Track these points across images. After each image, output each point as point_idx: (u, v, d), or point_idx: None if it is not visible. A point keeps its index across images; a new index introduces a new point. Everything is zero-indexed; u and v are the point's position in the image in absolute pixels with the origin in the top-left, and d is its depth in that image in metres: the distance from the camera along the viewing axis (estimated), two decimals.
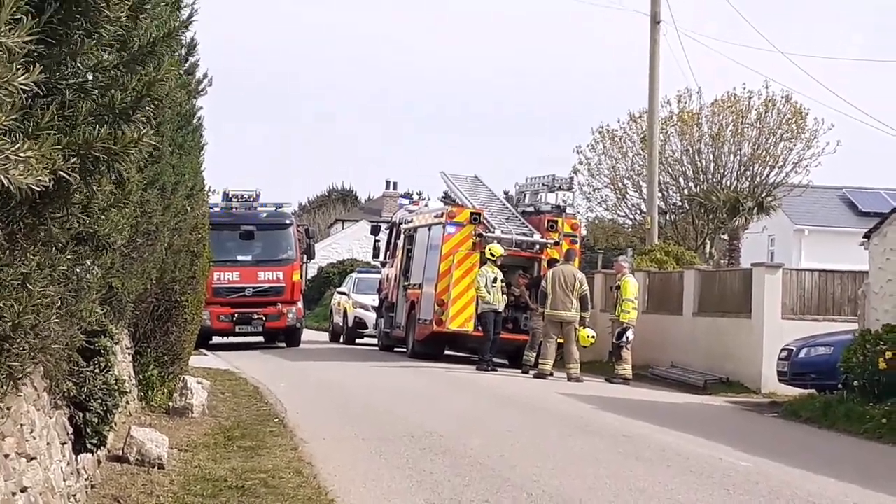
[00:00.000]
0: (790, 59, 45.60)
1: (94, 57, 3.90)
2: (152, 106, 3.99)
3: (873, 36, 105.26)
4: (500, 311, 25.06)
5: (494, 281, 24.81)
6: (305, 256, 32.67)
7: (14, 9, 3.13)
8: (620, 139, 40.50)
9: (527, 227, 27.65)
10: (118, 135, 3.67)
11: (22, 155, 3.12)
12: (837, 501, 10.38)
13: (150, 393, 14.48)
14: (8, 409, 5.59)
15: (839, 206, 52.10)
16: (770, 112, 37.77)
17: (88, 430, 8.25)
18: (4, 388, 4.61)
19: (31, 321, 4.31)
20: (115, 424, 9.58)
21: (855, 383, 17.41)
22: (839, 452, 14.74)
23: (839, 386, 18.42)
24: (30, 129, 3.36)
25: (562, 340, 23.82)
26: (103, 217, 4.71)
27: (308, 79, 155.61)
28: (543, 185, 28.97)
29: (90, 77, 3.91)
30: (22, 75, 3.07)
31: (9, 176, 3.05)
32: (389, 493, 10.18)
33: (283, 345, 31.89)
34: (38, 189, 3.21)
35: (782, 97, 37.83)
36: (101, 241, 4.89)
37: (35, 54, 3.40)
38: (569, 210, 29.32)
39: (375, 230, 37.79)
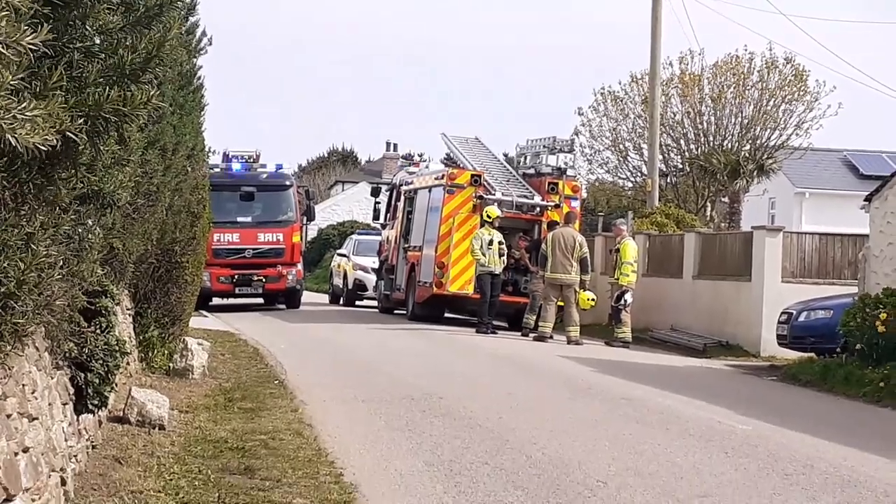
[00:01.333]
0: (791, 21, 45.56)
1: (101, 19, 3.88)
2: (160, 67, 3.97)
3: None
4: (498, 273, 25.02)
5: (490, 243, 24.76)
6: (305, 218, 32.63)
7: None
8: (622, 100, 40.37)
9: (527, 189, 27.61)
10: (128, 96, 3.65)
11: (28, 114, 3.11)
12: (835, 464, 10.40)
13: (150, 354, 14.49)
14: (10, 368, 5.59)
15: (840, 169, 52.04)
16: (771, 74, 37.64)
17: (89, 390, 8.26)
18: (9, 346, 4.61)
19: (35, 279, 4.31)
20: (116, 385, 9.59)
21: (856, 347, 17.44)
22: (838, 416, 14.79)
23: (838, 350, 18.46)
24: (37, 90, 3.34)
25: (562, 303, 23.83)
26: (107, 175, 4.70)
27: (308, 40, 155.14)
28: (544, 146, 28.91)
29: (97, 40, 3.89)
30: (29, 35, 3.05)
31: (15, 135, 3.04)
32: (389, 455, 10.21)
33: (283, 306, 31.91)
34: (45, 149, 3.20)
35: (784, 59, 37.71)
36: (106, 199, 4.88)
37: (41, 15, 3.38)
38: (570, 172, 29.27)
39: (376, 192, 37.75)
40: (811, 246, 24.02)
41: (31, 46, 3.08)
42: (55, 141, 3.27)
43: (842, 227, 27.81)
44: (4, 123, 3.05)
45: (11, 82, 3.10)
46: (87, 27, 3.84)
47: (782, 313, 21.21)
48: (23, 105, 3.14)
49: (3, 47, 2.98)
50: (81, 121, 3.53)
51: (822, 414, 14.81)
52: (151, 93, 3.75)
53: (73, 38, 3.79)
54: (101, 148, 3.94)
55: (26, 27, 3.09)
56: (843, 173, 51.79)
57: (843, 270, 23.71)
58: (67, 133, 3.39)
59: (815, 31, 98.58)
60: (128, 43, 3.99)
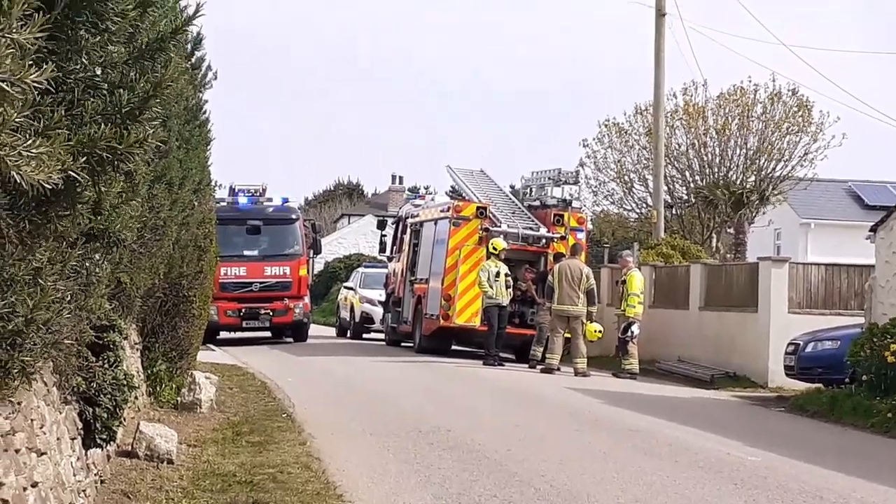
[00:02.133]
0: (795, 53, 45.60)
1: (102, 52, 3.90)
2: (159, 106, 3.98)
3: (877, 28, 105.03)
4: (505, 305, 25.01)
5: (497, 275, 24.77)
6: (312, 251, 32.66)
7: (25, 5, 3.14)
8: (626, 132, 40.38)
9: (533, 221, 27.65)
10: (123, 134, 3.66)
11: (34, 152, 3.12)
12: (845, 496, 10.37)
13: (158, 388, 14.49)
14: (18, 404, 5.60)
15: (845, 200, 52.00)
16: (776, 105, 37.65)
17: (98, 425, 8.26)
18: (17, 382, 4.62)
19: (44, 316, 4.32)
20: (125, 419, 9.60)
21: (863, 377, 17.40)
22: (846, 446, 14.73)
23: (846, 380, 18.41)
24: (41, 127, 3.36)
25: (569, 335, 23.81)
26: (114, 214, 4.72)
27: (314, 73, 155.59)
28: (549, 178, 28.96)
29: (98, 72, 3.91)
30: (34, 72, 3.07)
31: (21, 172, 3.05)
32: (398, 489, 10.19)
33: (291, 340, 31.89)
34: (49, 186, 3.21)
35: (788, 90, 37.73)
36: (112, 238, 4.89)
37: (45, 50, 3.40)
38: (575, 204, 29.28)
39: (382, 225, 37.79)
40: (817, 276, 23.99)
41: (35, 84, 3.10)
42: (58, 179, 3.28)
43: (847, 258, 27.77)
44: (10, 160, 3.07)
45: (16, 119, 3.12)
46: (88, 61, 3.86)
47: (789, 344, 21.16)
48: (28, 142, 3.16)
49: (7, 85, 3.00)
50: (83, 160, 3.54)
51: (830, 445, 14.76)
52: (149, 132, 3.77)
53: (73, 71, 3.80)
54: (103, 188, 3.96)
55: (31, 63, 3.11)
56: (848, 204, 51.75)
57: (849, 301, 23.67)
58: (69, 172, 3.40)
59: (819, 63, 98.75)
60: (128, 80, 4.01)
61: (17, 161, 3.08)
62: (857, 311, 22.08)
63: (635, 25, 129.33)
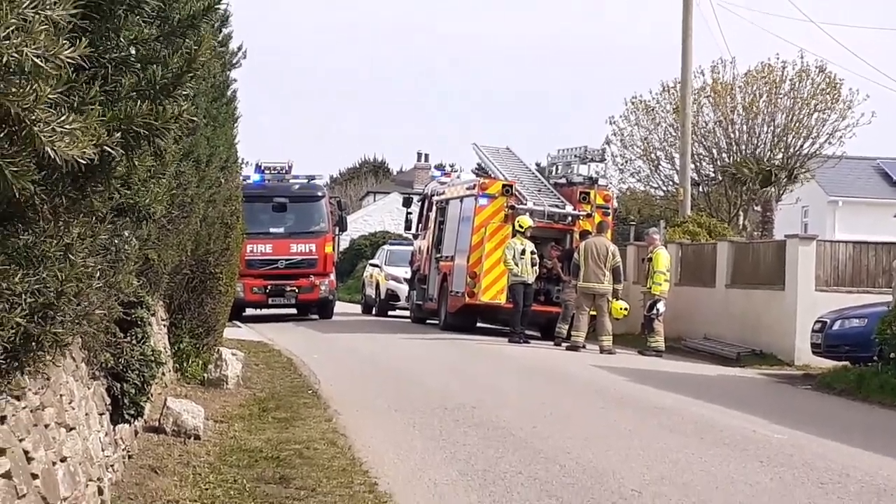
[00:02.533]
0: (823, 29, 45.33)
1: (135, 31, 3.93)
2: (192, 83, 4.01)
3: None
4: (530, 282, 25.01)
5: (523, 253, 24.74)
6: (338, 228, 32.71)
7: None
8: (653, 110, 40.22)
9: (559, 198, 27.60)
10: (159, 110, 3.69)
11: (68, 127, 3.15)
12: (871, 473, 10.35)
13: (185, 364, 14.57)
14: (48, 379, 5.65)
15: (873, 177, 51.72)
16: (804, 82, 37.43)
17: (126, 400, 8.32)
18: (49, 356, 4.66)
19: (74, 289, 4.36)
20: (152, 395, 9.66)
21: (891, 355, 17.34)
22: (873, 425, 14.69)
23: (873, 358, 18.35)
24: (75, 103, 3.38)
25: (594, 312, 23.79)
26: (143, 189, 4.75)
27: (340, 51, 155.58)
28: (575, 156, 28.90)
29: (132, 51, 3.94)
30: (68, 49, 3.09)
31: (55, 148, 3.08)
32: (423, 465, 10.22)
33: (316, 317, 31.97)
34: (83, 162, 3.24)
35: (816, 67, 37.50)
36: (142, 212, 4.93)
37: (79, 28, 3.42)
38: (601, 181, 29.24)
39: (407, 202, 37.79)
40: (845, 254, 23.89)
41: (69, 60, 3.12)
42: (93, 154, 3.30)
43: (875, 235, 27.67)
44: (44, 136, 3.09)
45: (50, 96, 3.15)
46: (122, 39, 3.89)
47: (816, 322, 21.10)
48: (62, 118, 3.18)
49: (41, 61, 3.02)
50: (118, 135, 3.57)
51: (857, 423, 14.72)
52: (183, 107, 3.79)
53: (108, 49, 3.83)
54: (136, 162, 3.99)
55: (65, 41, 3.13)
56: (877, 181, 51.47)
57: (877, 279, 23.57)
58: (105, 147, 3.43)
59: (847, 40, 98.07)
60: (161, 57, 4.03)
61: (51, 137, 3.11)
62: (884, 289, 21.99)
63: (664, 2, 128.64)
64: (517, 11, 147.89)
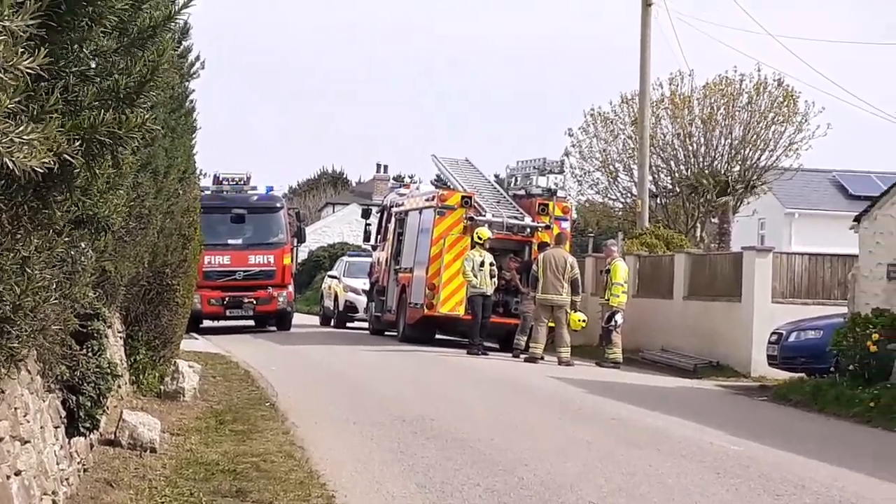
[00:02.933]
0: (779, 42, 45.67)
1: (96, 42, 3.91)
2: (156, 91, 4.00)
3: (864, 18, 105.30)
4: (489, 294, 25.04)
5: (482, 265, 24.77)
6: (296, 240, 32.66)
7: None
8: (612, 122, 40.40)
9: (518, 210, 27.66)
10: (122, 119, 3.68)
11: (26, 137, 3.13)
12: (827, 485, 10.42)
13: (141, 377, 14.46)
14: (2, 392, 5.59)
15: (829, 190, 52.13)
16: (761, 95, 37.72)
17: (81, 413, 8.25)
18: (3, 370, 4.62)
19: (31, 303, 4.33)
20: (108, 408, 9.59)
21: (847, 367, 17.48)
22: (829, 436, 14.80)
23: (829, 369, 18.50)
24: (34, 113, 3.36)
25: (553, 324, 23.84)
26: (102, 200, 4.72)
27: (297, 62, 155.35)
28: (534, 168, 28.98)
29: (92, 64, 3.92)
30: (27, 59, 3.07)
31: (13, 158, 3.05)
32: (381, 477, 10.20)
33: (274, 329, 31.87)
34: (42, 171, 3.22)
35: (774, 80, 37.80)
36: (100, 224, 4.90)
37: (38, 38, 3.40)
38: (560, 193, 29.38)
39: (366, 214, 37.78)
40: (801, 266, 24.08)
41: (28, 70, 3.10)
42: (52, 163, 3.29)
43: (831, 248, 27.85)
44: (2, 147, 3.07)
45: (9, 106, 3.12)
46: (84, 50, 3.87)
47: (772, 333, 21.25)
48: (20, 128, 3.16)
49: (0, 72, 3.00)
50: (77, 143, 3.55)
51: (813, 434, 14.82)
52: (146, 116, 3.78)
53: (69, 61, 3.81)
54: (97, 171, 3.97)
55: (23, 51, 3.11)
56: (833, 193, 51.89)
57: (832, 290, 23.77)
58: (64, 156, 3.41)
59: (803, 52, 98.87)
60: (122, 66, 4.02)
61: (9, 147, 3.08)
62: (840, 301, 22.18)
63: (621, 15, 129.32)
64: (514, 12, 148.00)
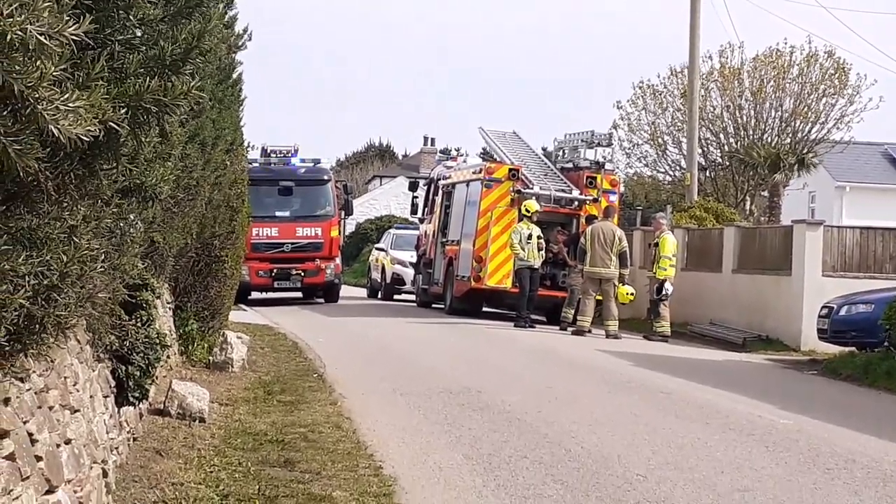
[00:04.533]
0: (832, 14, 45.11)
1: (142, 10, 3.90)
2: (201, 58, 3.98)
3: None
4: (537, 267, 24.98)
5: (529, 237, 24.70)
6: (343, 212, 32.71)
7: None
8: (661, 94, 40.18)
9: (565, 183, 27.56)
10: (168, 87, 3.67)
11: (71, 105, 3.12)
12: (878, 459, 10.33)
13: (190, 347, 14.56)
14: (52, 361, 5.62)
15: (881, 163, 51.60)
16: (812, 67, 37.39)
17: (131, 383, 8.30)
18: (52, 338, 4.64)
19: (78, 272, 4.34)
20: (157, 378, 9.65)
21: None
22: (880, 410, 14.67)
23: (881, 343, 18.31)
24: (80, 80, 3.36)
25: (600, 297, 23.76)
26: (149, 169, 4.72)
27: (345, 35, 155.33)
28: (582, 140, 28.85)
29: (138, 32, 3.91)
30: (72, 26, 3.06)
31: (59, 126, 3.05)
32: (428, 448, 10.21)
33: (322, 300, 31.98)
34: (88, 139, 3.22)
35: (824, 52, 37.46)
36: (148, 193, 4.91)
37: (83, 6, 3.40)
38: (608, 166, 29.24)
39: (413, 186, 37.78)
40: (852, 240, 23.84)
41: (73, 37, 3.10)
42: (98, 131, 3.28)
43: (883, 221, 27.61)
44: (48, 114, 3.07)
45: (54, 73, 3.12)
46: (129, 18, 3.87)
47: (823, 307, 21.06)
48: (66, 96, 3.16)
49: (45, 38, 3.00)
50: (123, 111, 3.54)
51: (863, 408, 14.69)
52: (192, 83, 3.76)
53: (114, 29, 3.81)
54: (143, 140, 3.97)
55: (68, 18, 3.10)
56: (884, 167, 51.36)
57: (884, 264, 23.53)
58: (110, 123, 3.41)
59: (856, 24, 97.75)
60: (168, 34, 4.01)
61: (55, 115, 3.08)
62: (891, 275, 21.98)
63: None
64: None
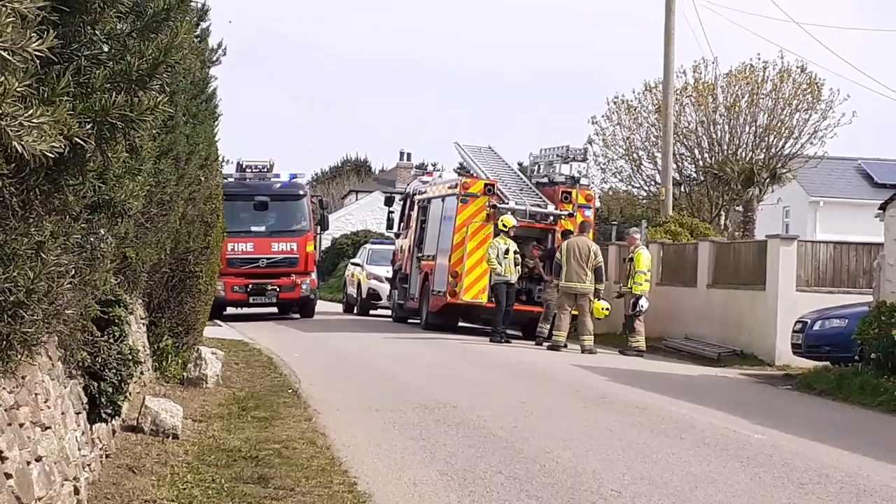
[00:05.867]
0: (804, 29, 45.39)
1: (109, 24, 3.88)
2: (168, 73, 3.97)
3: (885, 3, 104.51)
4: (513, 282, 25.00)
5: (507, 252, 24.73)
6: (319, 227, 32.67)
7: None
8: (635, 109, 40.29)
9: (541, 198, 27.59)
10: (135, 102, 3.65)
11: (35, 121, 3.10)
12: (851, 473, 10.35)
13: (164, 363, 14.50)
14: (23, 378, 5.59)
15: (855, 178, 51.81)
16: (785, 82, 37.57)
17: (103, 399, 8.26)
18: (20, 355, 4.60)
19: (45, 288, 4.31)
20: (130, 394, 9.60)
21: (871, 356, 17.36)
22: (853, 425, 14.71)
23: (854, 358, 18.38)
24: (45, 96, 3.34)
25: (576, 312, 23.78)
26: (118, 184, 4.70)
27: (321, 49, 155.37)
28: (558, 155, 28.89)
29: (105, 47, 3.89)
30: (36, 41, 3.04)
31: (22, 142, 3.03)
32: (403, 464, 10.18)
33: (297, 316, 31.91)
34: (53, 155, 3.19)
35: (797, 67, 37.64)
36: (117, 208, 4.88)
37: (48, 21, 3.38)
38: (583, 181, 29.30)
39: (389, 201, 37.75)
40: (826, 255, 23.93)
41: (37, 53, 3.08)
42: (62, 147, 3.26)
43: (856, 236, 27.70)
44: (11, 131, 3.05)
45: (18, 89, 3.10)
46: (96, 33, 3.85)
47: (797, 322, 21.13)
48: (30, 112, 3.13)
49: (9, 54, 2.98)
50: (89, 126, 3.52)
51: (837, 423, 14.74)
52: (159, 98, 3.75)
53: (80, 44, 3.79)
54: (110, 155, 3.94)
55: (33, 33, 3.08)
56: (858, 182, 51.58)
57: (857, 279, 23.62)
58: (75, 139, 3.39)
59: (828, 40, 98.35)
60: (135, 49, 3.99)
61: (18, 132, 3.06)
62: (865, 290, 22.03)
63: (645, 2, 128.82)
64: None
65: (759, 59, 38.07)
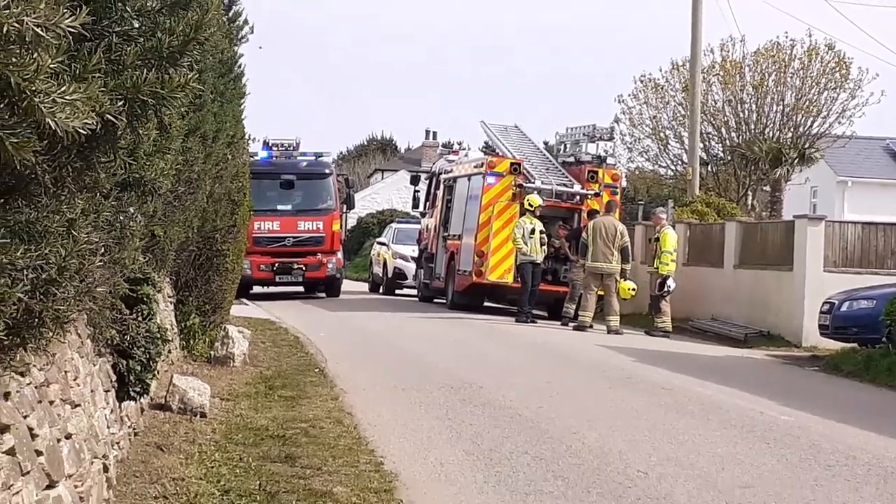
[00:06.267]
0: (833, 6, 45.04)
1: (139, 1, 3.88)
2: (198, 50, 3.96)
3: None
4: (539, 262, 24.94)
5: (532, 232, 24.68)
6: (345, 206, 32.67)
7: None
8: (662, 88, 40.11)
9: (567, 177, 27.51)
10: (165, 79, 3.65)
11: (68, 98, 3.10)
12: (878, 455, 10.31)
13: (191, 342, 14.54)
14: (52, 355, 5.60)
15: (883, 158, 51.50)
16: (813, 61, 37.32)
17: (131, 377, 8.28)
18: (51, 332, 4.62)
19: (76, 265, 4.32)
20: (158, 373, 9.62)
21: None
22: (881, 406, 14.64)
23: (882, 340, 18.27)
24: (77, 72, 3.34)
25: (602, 292, 23.73)
26: (149, 163, 4.70)
27: (347, 28, 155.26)
28: (584, 135, 28.78)
29: (136, 24, 3.89)
30: (68, 17, 3.04)
31: (55, 119, 3.03)
32: (429, 444, 10.20)
33: (323, 295, 31.94)
34: (85, 132, 3.19)
35: (825, 46, 37.38)
36: (147, 187, 4.89)
37: None
38: (609, 160, 29.13)
39: (415, 180, 37.71)
40: (853, 235, 23.79)
41: (70, 29, 3.07)
42: (95, 124, 3.26)
43: (884, 216, 27.54)
44: (45, 107, 3.05)
45: (51, 66, 3.10)
46: (126, 9, 3.84)
47: (824, 303, 21.02)
48: (62, 89, 3.13)
49: (42, 30, 2.97)
50: (120, 103, 3.52)
51: (864, 405, 14.67)
52: (189, 76, 3.74)
53: (112, 20, 3.79)
54: (141, 133, 3.95)
55: (65, 9, 3.08)
56: (886, 162, 51.27)
57: (885, 260, 23.48)
58: (107, 116, 3.38)
59: (857, 18, 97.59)
60: (166, 26, 3.98)
61: (51, 108, 3.06)
62: (893, 270, 21.93)
63: None
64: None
65: (786, 37, 37.86)
